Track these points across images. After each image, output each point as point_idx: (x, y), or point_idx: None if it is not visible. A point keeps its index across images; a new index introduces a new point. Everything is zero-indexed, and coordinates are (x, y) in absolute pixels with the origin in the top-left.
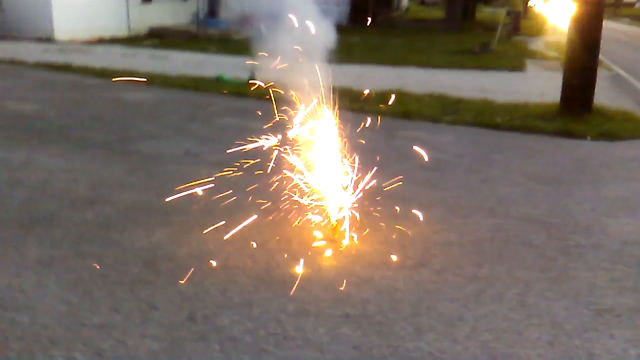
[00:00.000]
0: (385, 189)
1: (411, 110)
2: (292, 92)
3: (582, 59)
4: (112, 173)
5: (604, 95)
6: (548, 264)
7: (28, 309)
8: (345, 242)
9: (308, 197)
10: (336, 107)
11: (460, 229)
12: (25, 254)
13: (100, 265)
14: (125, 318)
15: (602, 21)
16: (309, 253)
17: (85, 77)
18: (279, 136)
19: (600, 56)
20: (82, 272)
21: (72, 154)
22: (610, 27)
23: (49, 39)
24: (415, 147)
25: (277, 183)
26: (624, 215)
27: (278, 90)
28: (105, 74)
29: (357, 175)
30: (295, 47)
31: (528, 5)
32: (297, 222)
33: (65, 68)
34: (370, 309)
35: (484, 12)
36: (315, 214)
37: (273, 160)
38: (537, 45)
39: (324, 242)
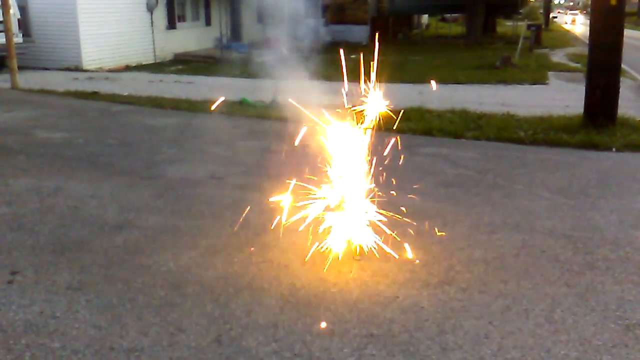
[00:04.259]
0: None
1: (433, 126)
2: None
3: (605, 69)
4: (140, 198)
5: (628, 106)
6: (575, 279)
7: (59, 334)
8: (365, 257)
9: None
10: (358, 126)
11: (485, 245)
12: (56, 279)
13: (129, 289)
14: (153, 342)
15: (623, 30)
16: (333, 273)
17: (112, 104)
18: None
19: (623, 66)
20: (111, 296)
21: (100, 180)
22: (633, 35)
23: (77, 68)
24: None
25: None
26: None
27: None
28: (131, 100)
29: (379, 193)
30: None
31: (550, 17)
32: (321, 243)
33: (93, 96)
34: (395, 329)
35: (505, 26)
36: (338, 232)
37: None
38: (559, 57)
39: (348, 261)
